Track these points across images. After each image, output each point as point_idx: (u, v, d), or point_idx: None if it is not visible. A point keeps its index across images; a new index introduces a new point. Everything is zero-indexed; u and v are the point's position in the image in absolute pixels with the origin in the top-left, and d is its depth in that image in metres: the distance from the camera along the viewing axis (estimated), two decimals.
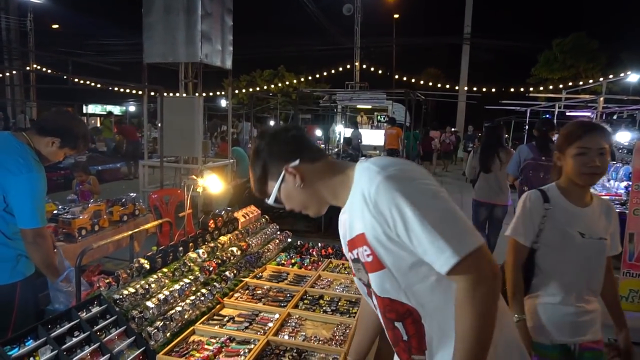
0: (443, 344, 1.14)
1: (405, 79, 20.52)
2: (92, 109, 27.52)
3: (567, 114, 11.05)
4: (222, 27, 6.74)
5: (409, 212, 1.04)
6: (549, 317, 1.86)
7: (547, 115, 12.46)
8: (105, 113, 27.53)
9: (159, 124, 6.01)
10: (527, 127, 9.65)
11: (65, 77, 7.84)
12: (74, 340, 1.64)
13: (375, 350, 1.94)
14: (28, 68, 14.44)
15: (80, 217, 3.41)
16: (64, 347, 1.59)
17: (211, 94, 17.46)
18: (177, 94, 7.37)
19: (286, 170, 1.26)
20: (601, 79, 9.04)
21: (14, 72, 14.40)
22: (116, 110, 28.51)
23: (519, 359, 1.21)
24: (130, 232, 2.61)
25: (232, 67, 7.19)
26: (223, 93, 15.34)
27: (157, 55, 6.41)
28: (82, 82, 9.06)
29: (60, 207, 3.88)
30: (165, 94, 6.82)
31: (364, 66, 21.16)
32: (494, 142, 5.08)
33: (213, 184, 2.81)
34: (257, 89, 18.20)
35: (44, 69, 13.14)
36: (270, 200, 1.31)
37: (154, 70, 6.94)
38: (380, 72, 21.36)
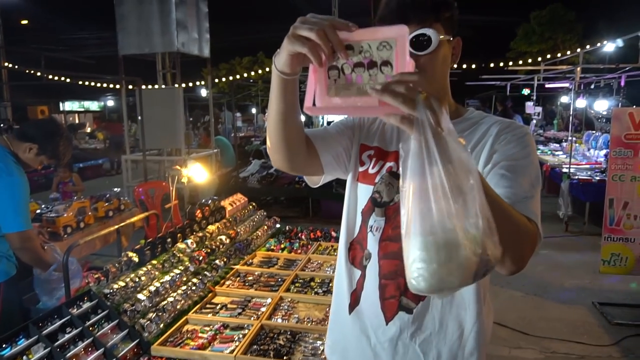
0: None
1: None
2: (69, 105, 26.90)
3: (547, 85, 11.22)
4: (197, 15, 6.62)
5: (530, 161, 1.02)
6: None
7: (527, 90, 12.63)
8: (82, 110, 27.00)
9: (139, 117, 5.91)
10: (508, 101, 9.77)
11: (39, 73, 7.63)
12: (67, 336, 1.64)
13: None
14: None
15: (65, 215, 3.37)
16: (56, 344, 1.59)
17: (191, 84, 17.23)
18: (156, 86, 7.25)
19: (457, 41, 1.09)
20: (578, 50, 9.13)
21: None
22: (94, 106, 27.96)
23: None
24: (116, 227, 2.59)
25: (210, 56, 7.08)
26: (203, 83, 15.15)
27: (132, 47, 6.27)
28: (56, 78, 8.84)
29: (43, 206, 3.82)
30: (143, 86, 6.72)
31: None
32: None
33: (197, 173, 2.79)
34: (238, 76, 17.94)
35: (16, 67, 12.80)
36: (430, 48, 0.99)
37: (131, 62, 6.80)
38: None
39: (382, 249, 1.12)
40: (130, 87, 8.10)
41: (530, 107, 9.12)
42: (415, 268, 0.72)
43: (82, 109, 27.32)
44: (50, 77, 8.81)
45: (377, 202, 1.13)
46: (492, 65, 14.68)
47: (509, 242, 0.84)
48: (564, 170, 6.44)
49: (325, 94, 0.80)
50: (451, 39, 1.05)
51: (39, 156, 2.29)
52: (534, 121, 9.47)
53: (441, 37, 1.00)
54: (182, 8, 6.16)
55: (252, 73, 18.50)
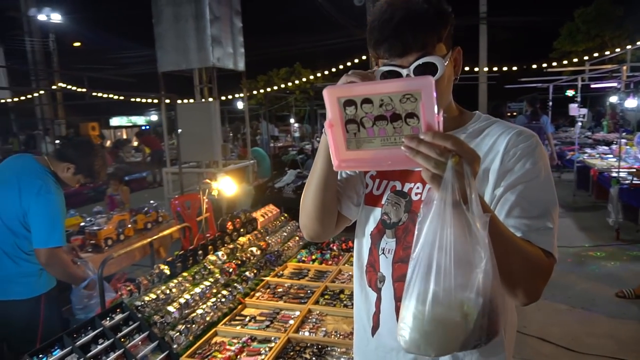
0: None
1: None
2: (117, 121, 28.29)
3: (592, 86, 10.68)
4: (231, 30, 6.79)
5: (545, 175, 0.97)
6: None
7: (572, 92, 12.07)
8: (130, 125, 28.31)
9: (178, 130, 6.12)
10: (550, 103, 9.32)
11: (84, 91, 8.09)
12: (99, 347, 1.69)
13: None
14: (54, 87, 15.05)
15: (106, 228, 3.51)
16: (89, 354, 1.64)
17: (230, 96, 17.73)
18: (194, 100, 7.48)
19: (457, 51, 1.01)
20: (628, 47, 8.64)
21: (42, 92, 15.09)
22: (140, 120, 29.25)
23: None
24: (149, 239, 2.67)
25: (246, 69, 7.24)
26: (242, 95, 15.51)
27: (170, 64, 6.51)
28: (102, 95, 9.33)
29: (88, 219, 4.00)
30: (182, 101, 6.95)
31: None
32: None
33: (227, 186, 2.84)
34: (275, 87, 18.25)
35: (68, 87, 13.61)
36: (438, 75, 0.93)
37: (171, 78, 7.05)
38: None
39: (395, 272, 1.09)
40: (169, 101, 8.40)
41: (574, 108, 8.68)
42: (401, 327, 0.75)
43: (130, 124, 28.66)
44: (100, 94, 9.32)
45: (387, 223, 1.12)
46: (534, 66, 14.18)
47: (522, 278, 0.87)
48: (613, 174, 6.09)
49: (345, 148, 0.78)
50: (451, 52, 0.99)
51: (76, 175, 2.43)
52: (579, 123, 9.02)
53: (446, 63, 0.95)
54: (216, 24, 6.34)
55: (289, 84, 18.75)
